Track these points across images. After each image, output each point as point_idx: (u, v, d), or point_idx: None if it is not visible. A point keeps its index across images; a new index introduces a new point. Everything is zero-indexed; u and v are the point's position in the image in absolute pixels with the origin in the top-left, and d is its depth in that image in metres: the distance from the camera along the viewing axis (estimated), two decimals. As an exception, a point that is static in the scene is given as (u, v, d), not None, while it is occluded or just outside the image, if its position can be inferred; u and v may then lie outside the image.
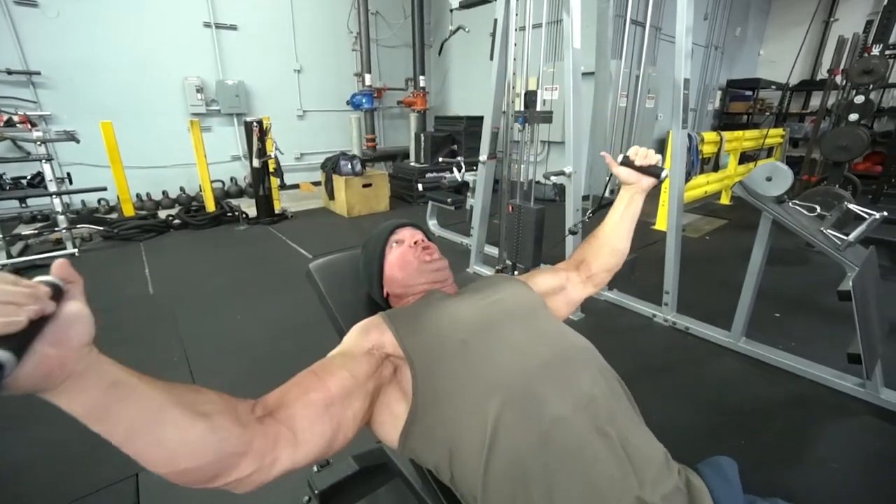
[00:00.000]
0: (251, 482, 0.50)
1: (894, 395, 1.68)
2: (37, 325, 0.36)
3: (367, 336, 0.72)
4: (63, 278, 0.40)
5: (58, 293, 0.39)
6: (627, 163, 0.98)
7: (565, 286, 0.95)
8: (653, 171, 0.97)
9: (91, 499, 1.29)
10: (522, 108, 2.24)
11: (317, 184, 5.58)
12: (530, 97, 2.19)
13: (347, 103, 6.16)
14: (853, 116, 3.39)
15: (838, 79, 4.48)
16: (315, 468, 1.32)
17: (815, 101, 7.22)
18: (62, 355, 0.38)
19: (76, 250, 3.30)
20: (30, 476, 1.37)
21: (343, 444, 0.60)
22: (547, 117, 2.19)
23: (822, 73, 6.46)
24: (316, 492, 1.24)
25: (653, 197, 4.26)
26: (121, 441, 0.41)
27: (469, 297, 0.83)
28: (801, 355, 1.94)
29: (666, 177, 0.98)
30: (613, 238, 0.97)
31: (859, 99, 3.37)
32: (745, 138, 4.84)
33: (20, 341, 0.35)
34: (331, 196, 4.87)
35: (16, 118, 3.63)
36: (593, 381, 0.67)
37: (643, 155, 0.97)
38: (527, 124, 2.23)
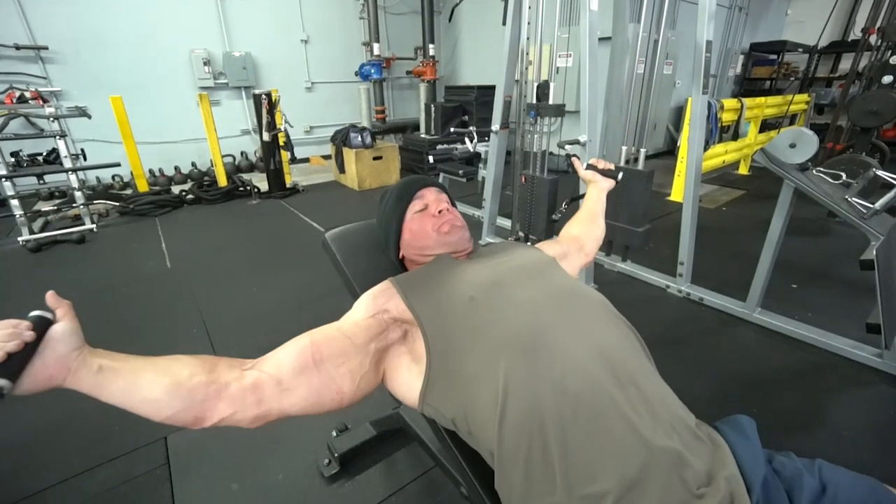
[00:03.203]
0: (241, 419, 0.58)
1: (913, 365, 1.66)
2: (26, 352, 0.49)
3: (374, 301, 0.74)
4: (51, 307, 0.55)
5: (45, 322, 0.53)
6: (591, 167, 1.24)
7: (568, 253, 1.02)
8: (611, 174, 1.23)
9: (124, 459, 1.36)
10: (535, 101, 2.17)
11: (327, 157, 5.55)
12: (542, 89, 2.12)
13: (356, 74, 6.04)
14: (887, 79, 3.22)
15: (873, 38, 4.23)
16: (334, 433, 1.37)
17: (845, 64, 6.85)
18: (55, 366, 0.51)
19: (94, 226, 3.36)
20: (66, 438, 1.45)
21: (338, 398, 0.64)
22: (559, 111, 2.13)
23: (855, 33, 6.09)
24: (336, 455, 1.30)
25: (667, 168, 4.18)
26: (119, 404, 0.54)
27: (478, 260, 0.84)
28: (817, 326, 1.92)
29: (622, 178, 1.23)
30: (592, 218, 1.16)
31: (895, 60, 3.19)
32: (767, 105, 4.64)
33: (11, 368, 0.48)
34: (341, 169, 4.85)
35: (27, 94, 3.64)
36: (607, 331, 0.68)
37: (603, 164, 1.25)
38: (539, 118, 2.18)
